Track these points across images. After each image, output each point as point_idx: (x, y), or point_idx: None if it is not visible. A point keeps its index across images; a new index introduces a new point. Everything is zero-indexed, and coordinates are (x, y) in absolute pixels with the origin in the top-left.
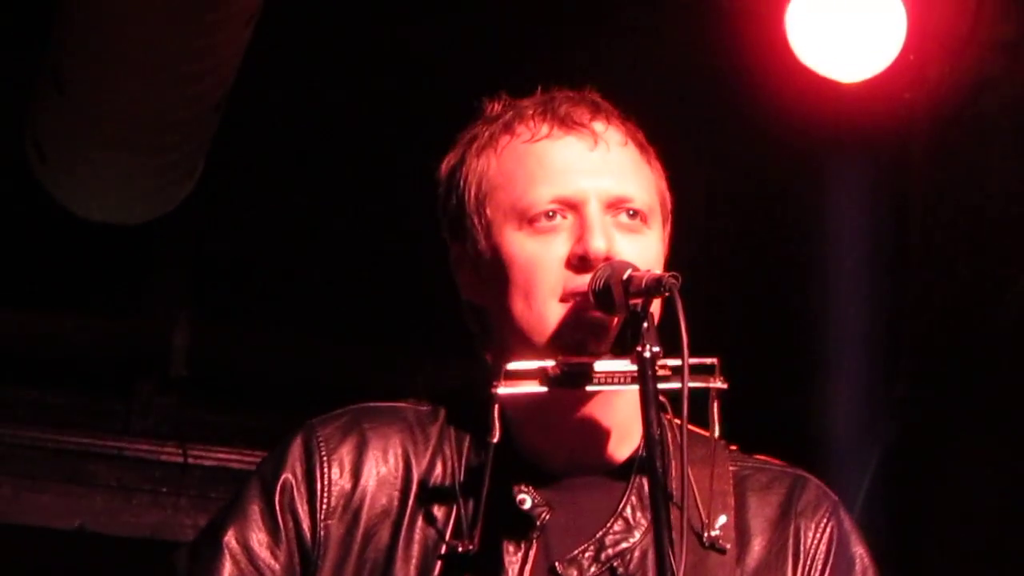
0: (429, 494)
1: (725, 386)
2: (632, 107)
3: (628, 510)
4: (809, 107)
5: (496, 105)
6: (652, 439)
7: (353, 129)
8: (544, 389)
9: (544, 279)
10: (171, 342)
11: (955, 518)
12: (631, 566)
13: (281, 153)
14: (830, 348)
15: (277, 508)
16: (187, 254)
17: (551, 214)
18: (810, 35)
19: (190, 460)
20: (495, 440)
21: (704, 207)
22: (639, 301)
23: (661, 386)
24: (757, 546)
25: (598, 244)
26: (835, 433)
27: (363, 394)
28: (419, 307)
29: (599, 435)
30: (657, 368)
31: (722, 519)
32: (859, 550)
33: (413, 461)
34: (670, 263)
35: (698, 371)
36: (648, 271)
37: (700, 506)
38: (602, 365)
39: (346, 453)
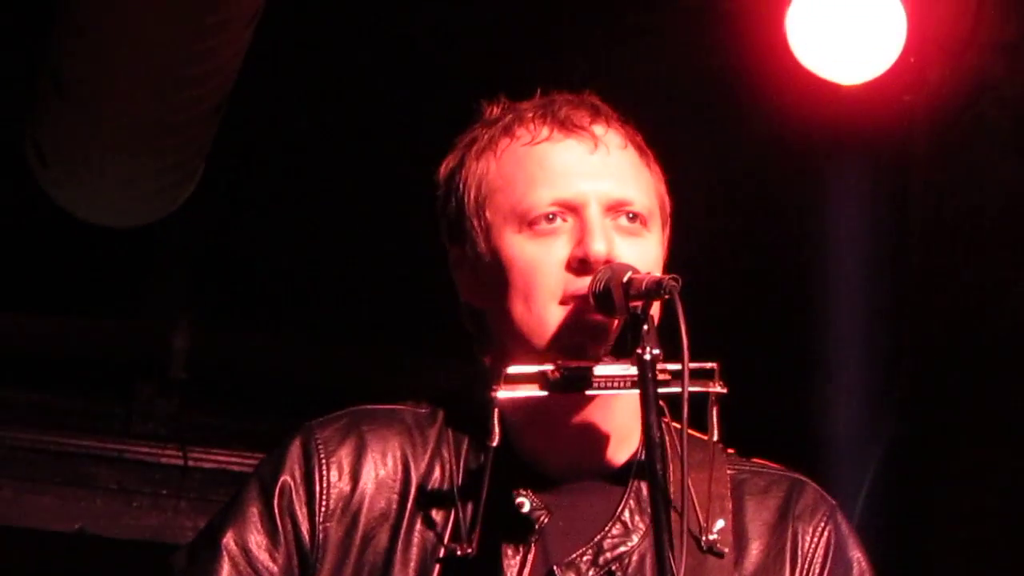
0: (428, 497)
1: (725, 391)
2: (633, 109)
3: (626, 514)
4: (810, 109)
5: (495, 108)
6: (652, 443)
7: (353, 131)
8: (544, 393)
9: (544, 282)
10: (171, 344)
11: (955, 519)
12: (629, 570)
13: (281, 155)
14: (830, 349)
15: (276, 510)
16: (187, 257)
17: (551, 217)
18: (811, 37)
19: (190, 463)
20: (495, 444)
21: (704, 209)
22: (639, 304)
23: (661, 390)
24: (755, 550)
25: (598, 247)
26: (836, 434)
27: (363, 396)
28: (419, 309)
29: (598, 439)
30: (657, 372)
31: (720, 523)
32: (856, 554)
33: (412, 464)
34: (670, 265)
35: (697, 375)
36: (648, 274)
37: (698, 510)
38: (602, 369)
39: (345, 455)
